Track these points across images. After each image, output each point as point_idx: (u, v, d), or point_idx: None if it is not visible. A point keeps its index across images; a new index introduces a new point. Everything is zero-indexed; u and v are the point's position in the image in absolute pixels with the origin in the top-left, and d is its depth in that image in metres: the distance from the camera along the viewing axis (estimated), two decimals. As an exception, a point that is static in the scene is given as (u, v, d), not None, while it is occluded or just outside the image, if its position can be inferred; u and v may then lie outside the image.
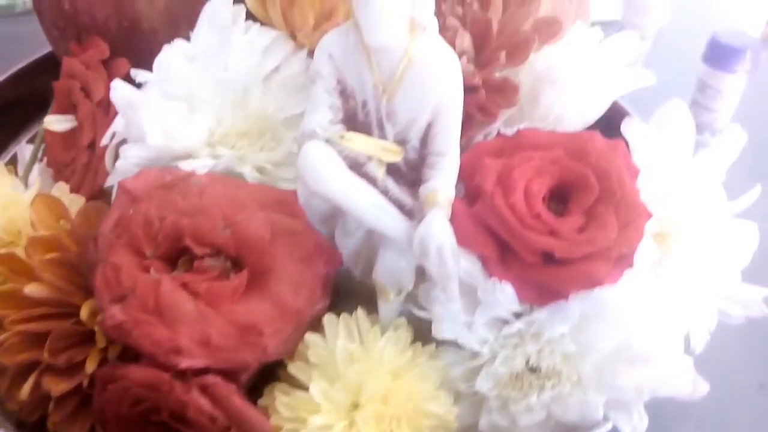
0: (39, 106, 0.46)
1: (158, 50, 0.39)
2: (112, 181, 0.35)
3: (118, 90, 0.33)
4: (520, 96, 0.35)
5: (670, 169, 0.36)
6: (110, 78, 0.39)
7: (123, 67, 0.39)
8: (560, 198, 0.33)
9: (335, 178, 0.30)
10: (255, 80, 0.36)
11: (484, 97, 0.35)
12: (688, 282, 0.35)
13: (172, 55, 0.33)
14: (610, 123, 0.37)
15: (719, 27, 0.85)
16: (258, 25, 0.38)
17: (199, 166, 0.33)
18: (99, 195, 0.38)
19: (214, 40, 0.35)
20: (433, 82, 0.31)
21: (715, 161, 0.36)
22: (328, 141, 0.31)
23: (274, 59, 0.37)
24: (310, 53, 0.38)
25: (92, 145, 0.38)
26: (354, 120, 0.33)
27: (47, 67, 0.48)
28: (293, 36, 0.38)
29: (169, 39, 0.41)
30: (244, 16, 0.36)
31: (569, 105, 0.33)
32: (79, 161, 0.38)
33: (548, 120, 0.34)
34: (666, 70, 0.67)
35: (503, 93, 0.35)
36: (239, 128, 0.36)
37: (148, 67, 0.36)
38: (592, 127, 0.36)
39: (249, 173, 0.34)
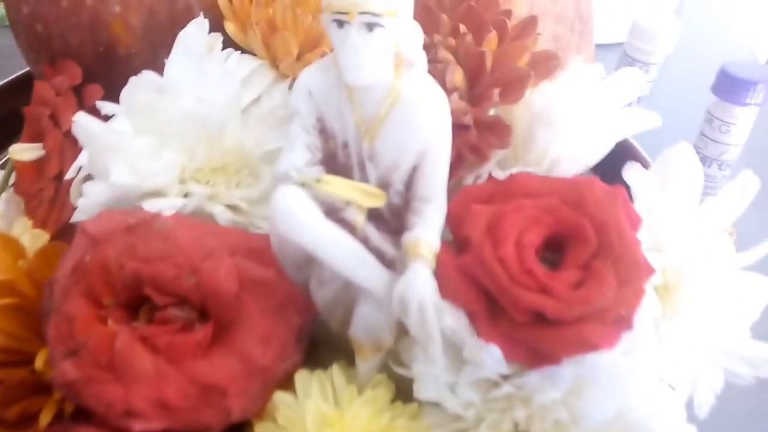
0: (20, 126, 0.44)
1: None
2: (77, 218, 0.33)
3: (81, 123, 0.30)
4: (514, 137, 0.32)
5: (675, 217, 0.33)
6: (82, 106, 0.37)
7: (96, 94, 0.37)
8: (555, 247, 0.31)
9: (309, 226, 0.27)
10: (232, 113, 0.34)
11: (475, 137, 0.33)
12: (693, 340, 0.33)
13: (140, 86, 0.31)
14: (616, 155, 0.34)
15: (728, 55, 0.84)
16: (238, 53, 0.36)
17: (166, 206, 0.31)
18: (65, 231, 0.35)
19: (188, 70, 0.32)
20: (419, 123, 0.29)
21: (724, 210, 0.33)
22: (303, 185, 0.29)
23: (254, 90, 0.35)
24: (293, 84, 0.36)
25: (59, 177, 0.36)
26: (334, 161, 0.31)
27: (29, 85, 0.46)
28: (275, 64, 0.36)
29: (147, 65, 0.39)
30: (220, 45, 0.34)
31: (567, 148, 0.31)
32: (46, 194, 0.36)
33: (544, 163, 0.31)
34: (673, 99, 0.65)
35: (496, 133, 0.33)
36: (214, 164, 0.33)
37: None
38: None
39: (221, 213, 0.32)
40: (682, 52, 0.64)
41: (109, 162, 0.31)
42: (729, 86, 0.53)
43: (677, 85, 0.67)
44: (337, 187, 0.29)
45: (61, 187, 0.35)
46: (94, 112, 0.36)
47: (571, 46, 0.43)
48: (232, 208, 0.33)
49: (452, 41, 0.35)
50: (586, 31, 0.44)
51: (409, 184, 0.30)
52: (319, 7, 0.37)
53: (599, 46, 0.48)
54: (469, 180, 0.33)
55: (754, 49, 0.91)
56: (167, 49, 0.35)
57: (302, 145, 0.30)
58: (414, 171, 0.30)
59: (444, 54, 0.34)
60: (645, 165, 0.40)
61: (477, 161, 0.33)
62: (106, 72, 0.39)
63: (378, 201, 0.30)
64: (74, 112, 0.36)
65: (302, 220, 0.27)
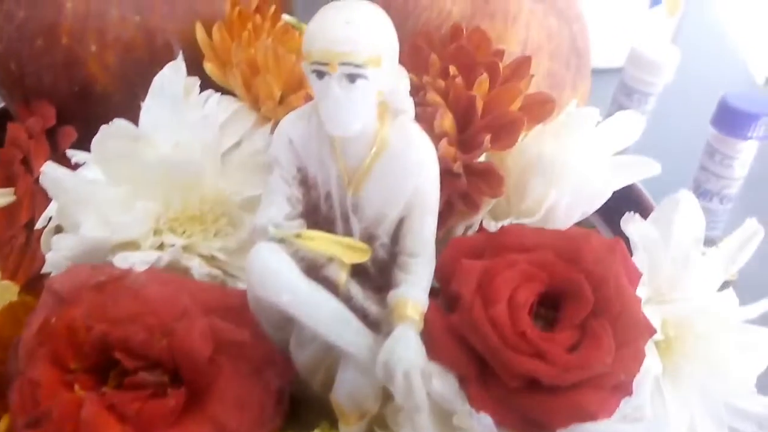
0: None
1: (113, 117, 0.36)
2: (47, 270, 0.31)
3: (50, 174, 0.29)
4: (506, 185, 0.31)
5: (676, 268, 0.32)
6: (56, 148, 0.36)
7: (70, 136, 0.36)
8: (550, 302, 0.29)
9: (287, 286, 0.26)
10: (211, 158, 0.32)
11: (466, 185, 0.31)
12: (695, 398, 0.31)
13: (112, 134, 0.29)
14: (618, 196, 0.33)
15: (726, 79, 0.82)
16: (217, 95, 0.34)
17: (139, 261, 0.29)
18: (37, 281, 0.34)
19: (164, 116, 0.31)
20: (405, 173, 0.28)
21: (727, 260, 0.32)
22: (282, 240, 0.27)
23: (234, 134, 0.34)
24: (275, 128, 0.34)
25: (31, 225, 0.34)
26: (316, 212, 0.29)
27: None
28: (257, 106, 0.35)
29: (124, 104, 0.38)
30: (198, 89, 0.33)
31: (563, 199, 0.30)
32: (17, 242, 0.35)
33: (538, 213, 0.30)
34: (672, 129, 0.63)
35: (488, 181, 0.31)
36: (190, 212, 0.32)
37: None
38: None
39: (197, 267, 0.31)
40: (679, 77, 0.63)
41: (80, 214, 0.29)
42: (730, 120, 0.52)
43: (675, 112, 0.66)
44: (319, 242, 0.27)
45: (32, 236, 0.34)
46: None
47: (566, 83, 0.42)
48: (209, 259, 0.32)
49: (441, 83, 0.34)
50: (583, 65, 0.43)
51: (396, 237, 0.29)
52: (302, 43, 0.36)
53: (594, 71, 0.47)
54: (459, 230, 0.32)
55: (752, 71, 0.90)
56: (146, 88, 0.34)
57: (282, 197, 0.28)
58: (400, 223, 0.29)
59: (433, 97, 0.33)
60: (648, 208, 0.39)
61: (468, 210, 0.31)
62: (82, 111, 0.38)
63: (362, 256, 0.28)
64: (46, 157, 0.35)
65: (280, 280, 0.26)
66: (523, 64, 0.34)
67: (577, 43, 0.42)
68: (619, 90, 0.63)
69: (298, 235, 0.27)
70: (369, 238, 0.29)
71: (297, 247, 0.27)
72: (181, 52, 0.35)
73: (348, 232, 0.29)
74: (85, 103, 0.38)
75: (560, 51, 0.41)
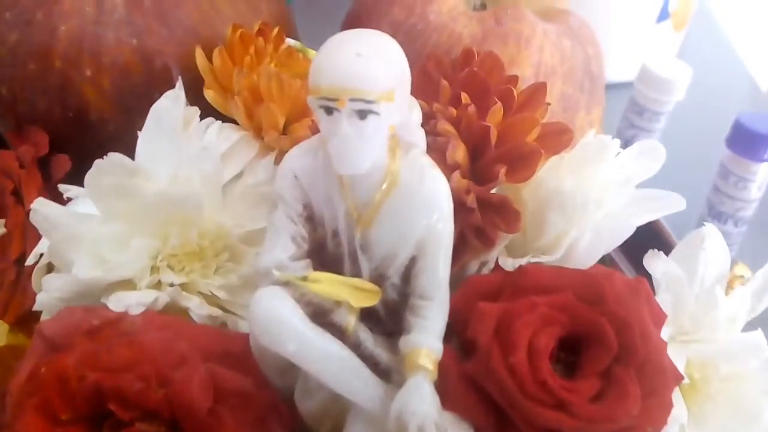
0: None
1: (109, 144, 0.34)
2: (38, 308, 0.30)
3: (41, 210, 0.27)
4: (523, 220, 0.29)
5: (701, 306, 0.30)
6: (49, 178, 0.35)
7: (63, 166, 0.35)
8: (570, 346, 0.28)
9: (292, 335, 0.24)
10: (211, 191, 0.31)
11: (480, 219, 0.30)
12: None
13: (106, 170, 0.28)
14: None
15: (737, 101, 0.81)
16: (218, 123, 0.33)
17: (135, 302, 0.28)
18: (28, 318, 0.32)
19: (162, 148, 0.30)
20: (417, 211, 0.26)
21: (755, 299, 0.30)
22: (287, 283, 0.26)
23: (236, 165, 0.32)
24: (279, 157, 0.33)
25: (22, 260, 0.32)
26: (322, 251, 0.28)
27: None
28: (259, 135, 0.33)
29: (121, 131, 0.37)
30: (198, 118, 0.31)
31: (583, 236, 0.28)
32: (7, 277, 0.33)
33: (557, 251, 0.28)
34: (683, 149, 0.62)
35: (503, 216, 0.30)
36: (189, 248, 0.30)
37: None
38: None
39: (197, 308, 0.29)
40: (686, 93, 0.62)
41: (72, 252, 0.28)
42: (746, 141, 0.50)
43: (684, 129, 0.64)
44: (326, 285, 0.26)
45: (23, 271, 0.32)
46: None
47: (580, 106, 0.41)
48: (209, 297, 0.30)
49: (453, 111, 0.32)
50: (596, 89, 0.42)
51: (407, 276, 0.27)
52: (307, 68, 0.34)
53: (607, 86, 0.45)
54: (473, 267, 0.30)
55: (758, 81, 0.88)
56: (143, 113, 0.32)
57: (286, 236, 0.27)
58: (412, 263, 0.27)
59: (444, 126, 0.31)
60: (668, 241, 0.37)
61: (482, 246, 0.30)
62: (77, 139, 0.36)
63: (372, 299, 0.27)
64: (38, 188, 0.33)
65: (285, 328, 0.24)
66: (538, 92, 0.33)
67: (590, 66, 0.41)
68: (629, 108, 0.62)
69: (304, 278, 0.26)
70: (379, 279, 0.27)
71: (303, 291, 0.26)
72: (180, 77, 0.33)
73: (356, 272, 0.27)
74: (80, 129, 0.36)
75: (574, 74, 0.40)
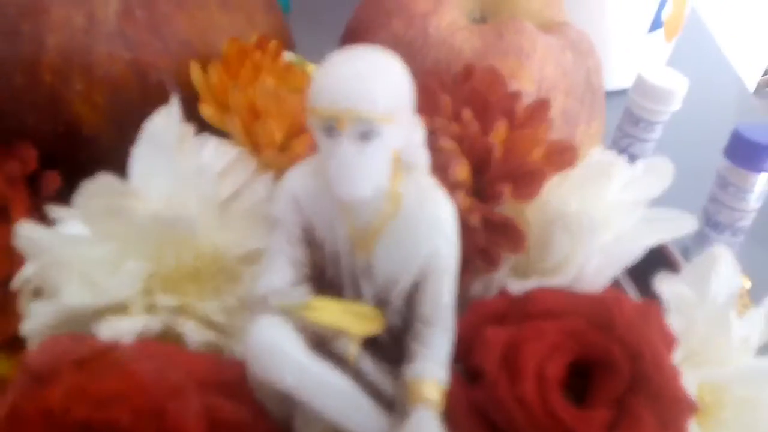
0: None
1: (102, 160, 0.33)
2: (24, 336, 0.28)
3: (26, 234, 0.26)
4: (528, 240, 0.28)
5: (711, 330, 0.29)
6: (38, 196, 0.33)
7: (53, 183, 0.33)
8: (579, 371, 0.26)
9: (291, 367, 0.23)
10: (207, 211, 0.29)
11: (484, 239, 0.28)
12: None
13: (97, 192, 0.26)
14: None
15: (727, 108, 0.80)
16: (214, 140, 0.31)
17: (127, 329, 0.26)
18: (14, 343, 0.30)
19: (155, 167, 0.28)
20: (421, 234, 0.25)
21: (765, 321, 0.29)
22: (285, 311, 0.24)
23: (233, 183, 0.31)
24: (278, 175, 0.31)
25: (7, 281, 0.30)
26: (322, 275, 0.26)
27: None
28: (257, 152, 0.32)
29: (114, 147, 0.35)
30: (192, 135, 0.29)
31: (591, 258, 0.27)
32: (-7, 299, 0.31)
33: (564, 273, 0.27)
34: (680, 158, 0.61)
35: (507, 236, 0.28)
36: (185, 270, 0.29)
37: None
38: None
39: (192, 333, 0.27)
40: (688, 107, 0.61)
41: (60, 278, 0.26)
42: (745, 152, 0.49)
43: (677, 138, 0.63)
44: (326, 312, 0.24)
45: (8, 294, 0.30)
46: (53, 203, 0.31)
47: (581, 120, 0.39)
48: (205, 322, 0.29)
49: (455, 127, 0.31)
50: (597, 101, 0.40)
51: (410, 301, 0.26)
52: (306, 83, 0.32)
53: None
54: (477, 288, 0.29)
55: (744, 80, 0.88)
56: (137, 129, 0.30)
57: (284, 260, 0.25)
58: (416, 288, 0.25)
59: (446, 143, 0.30)
60: (673, 263, 0.36)
61: (486, 268, 0.28)
62: (67, 155, 0.34)
63: (374, 327, 0.25)
64: (26, 206, 0.31)
65: (283, 359, 0.23)
66: (541, 108, 0.31)
67: (591, 79, 0.40)
68: (624, 118, 0.60)
69: (304, 306, 0.24)
70: (381, 304, 0.26)
71: (302, 320, 0.24)
72: (175, 92, 0.31)
73: (357, 298, 0.26)
74: (71, 145, 0.34)
75: (575, 87, 0.39)
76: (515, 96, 0.32)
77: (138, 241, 0.28)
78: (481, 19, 0.40)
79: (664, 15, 0.77)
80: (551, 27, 0.39)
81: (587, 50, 0.39)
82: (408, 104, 0.24)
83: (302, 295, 0.25)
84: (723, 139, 0.52)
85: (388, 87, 0.22)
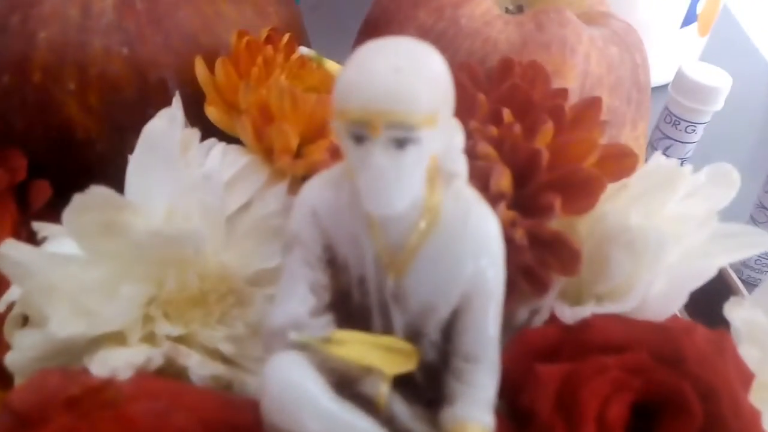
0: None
1: (97, 167, 0.30)
2: (10, 368, 0.25)
3: (10, 255, 0.23)
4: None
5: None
6: (27, 208, 0.30)
7: (44, 193, 0.30)
8: (646, 413, 0.23)
9: (313, 412, 0.20)
10: (213, 226, 0.26)
11: (531, 259, 0.25)
12: None
13: (88, 205, 0.23)
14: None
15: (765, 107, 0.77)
16: (221, 145, 0.28)
17: (124, 362, 0.23)
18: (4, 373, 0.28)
19: (155, 178, 0.25)
20: (462, 254, 0.22)
21: None
22: (305, 347, 0.21)
23: (243, 194, 0.28)
24: (293, 185, 0.28)
25: (-7, 304, 0.28)
26: (347, 302, 0.23)
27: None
28: (270, 159, 0.29)
29: (111, 152, 0.32)
30: (197, 140, 0.27)
31: (657, 281, 0.24)
32: (-23, 323, 0.28)
33: (626, 298, 0.24)
34: (717, 159, 0.58)
35: (558, 254, 0.25)
36: (189, 293, 0.26)
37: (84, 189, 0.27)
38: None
39: (197, 368, 0.24)
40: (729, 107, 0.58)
41: (49, 304, 0.23)
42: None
43: (724, 143, 0.60)
44: (353, 347, 0.21)
45: (-6, 318, 0.28)
46: (43, 215, 0.29)
47: (626, 121, 0.36)
48: (212, 353, 0.26)
49: (494, 130, 0.28)
50: (643, 100, 0.37)
51: (449, 332, 0.23)
52: (325, 82, 0.30)
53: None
54: (522, 315, 0.26)
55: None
56: (136, 133, 0.28)
57: (304, 286, 0.22)
58: (455, 317, 0.22)
59: (485, 148, 0.27)
60: (731, 286, 0.33)
61: (533, 291, 0.25)
62: (60, 162, 0.32)
63: (408, 363, 0.22)
64: (13, 221, 0.29)
65: (304, 404, 0.20)
66: (591, 108, 0.28)
67: (638, 76, 0.37)
68: (663, 118, 0.57)
69: (326, 340, 0.21)
70: (414, 335, 0.23)
71: (325, 356, 0.21)
72: (177, 92, 0.29)
73: (387, 328, 0.23)
74: (63, 151, 0.32)
75: (621, 85, 0.35)
76: (562, 94, 0.29)
77: (136, 262, 0.25)
78: (517, 9, 0.37)
79: (699, 8, 0.74)
80: (594, 17, 0.36)
81: (634, 44, 0.36)
82: (449, 104, 0.21)
83: (324, 326, 0.22)
84: (761, 139, 0.49)
85: (431, 84, 0.19)
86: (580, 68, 0.33)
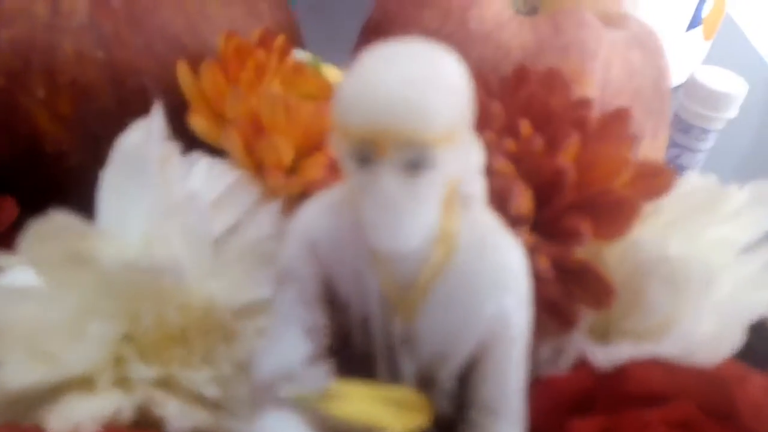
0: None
1: (70, 183, 0.27)
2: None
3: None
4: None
5: None
6: (-11, 229, 0.26)
7: (10, 212, 0.27)
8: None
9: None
10: (196, 253, 0.23)
11: (556, 291, 0.22)
12: None
13: (48, 233, 0.20)
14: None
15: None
16: (207, 160, 0.25)
17: (88, 414, 0.19)
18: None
19: (129, 199, 0.22)
20: (482, 294, 0.18)
21: None
22: (300, 402, 0.18)
23: (230, 215, 0.24)
24: (287, 205, 0.25)
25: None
26: (348, 347, 0.20)
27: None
28: (260, 175, 0.25)
29: (85, 165, 0.29)
30: (178, 155, 0.23)
31: (702, 318, 0.20)
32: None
33: (666, 339, 0.20)
34: (728, 168, 0.55)
35: (586, 287, 0.22)
36: (167, 330, 0.22)
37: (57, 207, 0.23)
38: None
39: (176, 417, 0.21)
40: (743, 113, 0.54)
41: (1, 347, 0.20)
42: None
43: (737, 153, 0.57)
44: (354, 403, 0.18)
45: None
46: (8, 238, 0.25)
47: (647, 132, 0.33)
48: (194, 398, 0.22)
49: (511, 143, 0.24)
50: (664, 110, 0.34)
51: (465, 382, 0.19)
52: (323, 89, 0.26)
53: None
54: (545, 353, 0.22)
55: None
56: (114, 145, 0.24)
57: (297, 328, 0.19)
58: (473, 363, 0.19)
59: (502, 164, 0.23)
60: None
61: (558, 328, 0.22)
62: (28, 177, 0.28)
63: (418, 419, 0.19)
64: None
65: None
66: (619, 120, 0.25)
67: (660, 83, 0.33)
68: (673, 125, 0.54)
69: (324, 394, 0.18)
70: (426, 384, 0.19)
71: (322, 413, 0.18)
72: (159, 100, 0.25)
73: (395, 376, 0.20)
74: (31, 166, 0.28)
75: (642, 93, 0.32)
76: (585, 105, 0.25)
77: (106, 296, 0.21)
78: (530, 10, 0.33)
79: (704, 12, 0.71)
80: (612, 19, 0.32)
81: (656, 48, 0.33)
82: (469, 116, 0.17)
83: (321, 377, 0.18)
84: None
85: (448, 94, 0.16)
86: (599, 75, 0.30)
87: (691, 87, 0.52)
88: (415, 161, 0.15)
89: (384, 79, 0.15)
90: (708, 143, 0.54)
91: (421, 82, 0.15)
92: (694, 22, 0.72)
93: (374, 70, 0.16)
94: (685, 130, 0.54)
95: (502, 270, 0.18)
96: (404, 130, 0.15)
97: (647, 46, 0.32)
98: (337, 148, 0.16)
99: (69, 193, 0.26)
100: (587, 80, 0.29)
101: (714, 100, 0.51)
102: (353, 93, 0.15)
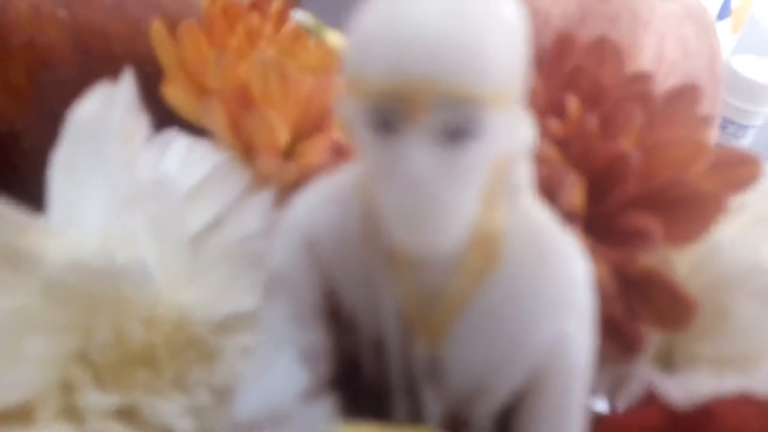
0: None
1: (25, 167, 0.23)
2: None
3: None
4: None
5: None
6: None
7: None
8: None
9: None
10: (169, 254, 0.18)
11: (617, 307, 0.18)
12: None
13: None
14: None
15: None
16: (185, 140, 0.21)
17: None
18: None
19: (85, 185, 0.17)
20: (535, 312, 0.14)
21: None
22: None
23: (211, 207, 0.20)
24: (281, 196, 0.21)
25: None
26: (356, 376, 0.15)
27: None
28: (249, 158, 0.21)
29: (42, 148, 0.24)
30: (147, 132, 0.19)
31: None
32: None
33: (758, 368, 0.16)
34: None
35: (655, 302, 0.17)
36: (131, 349, 0.18)
37: (27, 205, 0.19)
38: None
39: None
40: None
41: None
42: None
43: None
44: (367, 454, 0.14)
45: None
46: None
47: (701, 118, 0.28)
48: (162, 430, 0.18)
49: (557, 125, 0.20)
50: (717, 94, 0.30)
51: (507, 422, 0.15)
52: (327, 60, 0.22)
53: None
54: (604, 383, 0.18)
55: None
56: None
57: (291, 352, 0.15)
58: (520, 401, 0.15)
59: (546, 149, 0.19)
60: None
61: (619, 353, 0.18)
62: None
63: (448, 474, 0.14)
64: None
65: None
66: (687, 97, 0.20)
67: (714, 65, 0.29)
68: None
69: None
70: (456, 427, 0.15)
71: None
72: (130, 69, 0.21)
73: (416, 415, 0.15)
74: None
75: (696, 73, 0.28)
76: (645, 78, 0.21)
77: (52, 305, 0.17)
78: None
79: (734, 3, 0.68)
80: (660, -10, 0.28)
81: (709, 24, 0.29)
82: (524, 76, 0.13)
83: (320, 418, 0.14)
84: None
85: (507, 41, 0.11)
86: (652, 49, 0.25)
87: (726, 78, 0.48)
88: (458, 128, 0.11)
89: (416, 13, 0.11)
90: (746, 140, 0.50)
91: (471, 17, 0.11)
92: (723, 13, 0.68)
93: (402, 3, 0.11)
94: (721, 127, 0.50)
95: (564, 282, 0.14)
96: (447, 81, 0.10)
97: (701, 22, 0.28)
98: (347, 113, 0.12)
99: (23, 180, 0.22)
100: (641, 54, 0.25)
101: (754, 92, 0.46)
102: (373, 33, 0.11)
